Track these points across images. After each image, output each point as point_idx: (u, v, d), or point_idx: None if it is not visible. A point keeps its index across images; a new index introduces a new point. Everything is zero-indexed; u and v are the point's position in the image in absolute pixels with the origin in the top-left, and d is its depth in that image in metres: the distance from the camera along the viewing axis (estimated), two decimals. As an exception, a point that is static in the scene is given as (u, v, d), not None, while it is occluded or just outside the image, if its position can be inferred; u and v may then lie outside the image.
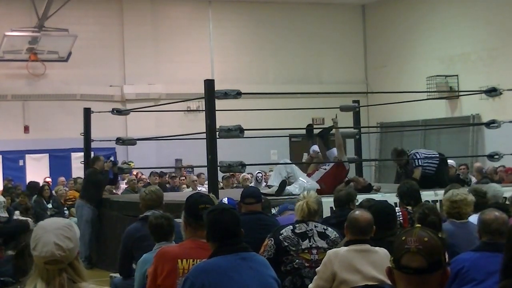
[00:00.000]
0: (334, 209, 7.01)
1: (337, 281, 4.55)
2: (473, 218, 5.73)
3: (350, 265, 4.54)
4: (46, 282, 2.58)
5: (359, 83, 21.54)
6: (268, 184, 9.81)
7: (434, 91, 17.64)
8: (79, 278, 2.63)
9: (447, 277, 2.41)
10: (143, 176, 16.40)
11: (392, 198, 7.41)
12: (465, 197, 5.80)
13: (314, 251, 5.23)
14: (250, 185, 13.08)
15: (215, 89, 8.66)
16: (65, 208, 14.48)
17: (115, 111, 11.98)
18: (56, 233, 2.62)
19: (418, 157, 10.32)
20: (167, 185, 15.08)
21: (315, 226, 5.35)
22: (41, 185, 14.75)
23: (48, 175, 17.34)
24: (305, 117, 19.04)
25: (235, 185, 14.69)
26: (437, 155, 10.68)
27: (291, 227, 5.34)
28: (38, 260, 2.62)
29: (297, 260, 5.22)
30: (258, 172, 14.05)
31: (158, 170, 16.01)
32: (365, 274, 4.49)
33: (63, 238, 2.62)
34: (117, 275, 6.73)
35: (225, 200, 6.60)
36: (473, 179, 14.07)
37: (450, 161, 13.57)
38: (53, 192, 14.89)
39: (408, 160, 10.37)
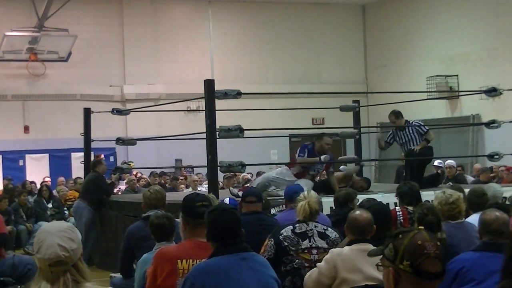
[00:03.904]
0: (334, 208, 7.04)
1: (338, 280, 4.57)
2: (473, 218, 5.72)
3: (353, 264, 4.55)
4: (50, 283, 2.58)
5: (359, 83, 21.53)
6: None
7: (434, 91, 17.61)
8: (82, 279, 2.65)
9: (443, 278, 2.41)
10: (144, 176, 16.40)
11: (392, 198, 7.40)
12: (458, 195, 5.73)
13: (314, 251, 5.23)
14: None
15: (215, 89, 8.65)
16: (65, 208, 14.50)
17: (115, 111, 11.98)
18: (59, 235, 2.64)
19: (423, 124, 10.49)
20: (167, 185, 15.08)
21: (315, 226, 5.35)
22: (39, 185, 14.75)
23: (48, 175, 17.33)
24: (305, 117, 19.09)
25: (235, 185, 14.68)
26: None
27: (291, 227, 5.34)
28: (42, 263, 2.62)
29: (297, 260, 5.22)
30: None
31: (158, 170, 15.99)
32: (366, 274, 4.50)
33: (66, 240, 2.63)
34: (117, 275, 6.72)
35: (227, 200, 6.61)
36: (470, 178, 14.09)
37: (450, 161, 13.58)
38: (54, 192, 14.89)
39: (405, 125, 10.42)
